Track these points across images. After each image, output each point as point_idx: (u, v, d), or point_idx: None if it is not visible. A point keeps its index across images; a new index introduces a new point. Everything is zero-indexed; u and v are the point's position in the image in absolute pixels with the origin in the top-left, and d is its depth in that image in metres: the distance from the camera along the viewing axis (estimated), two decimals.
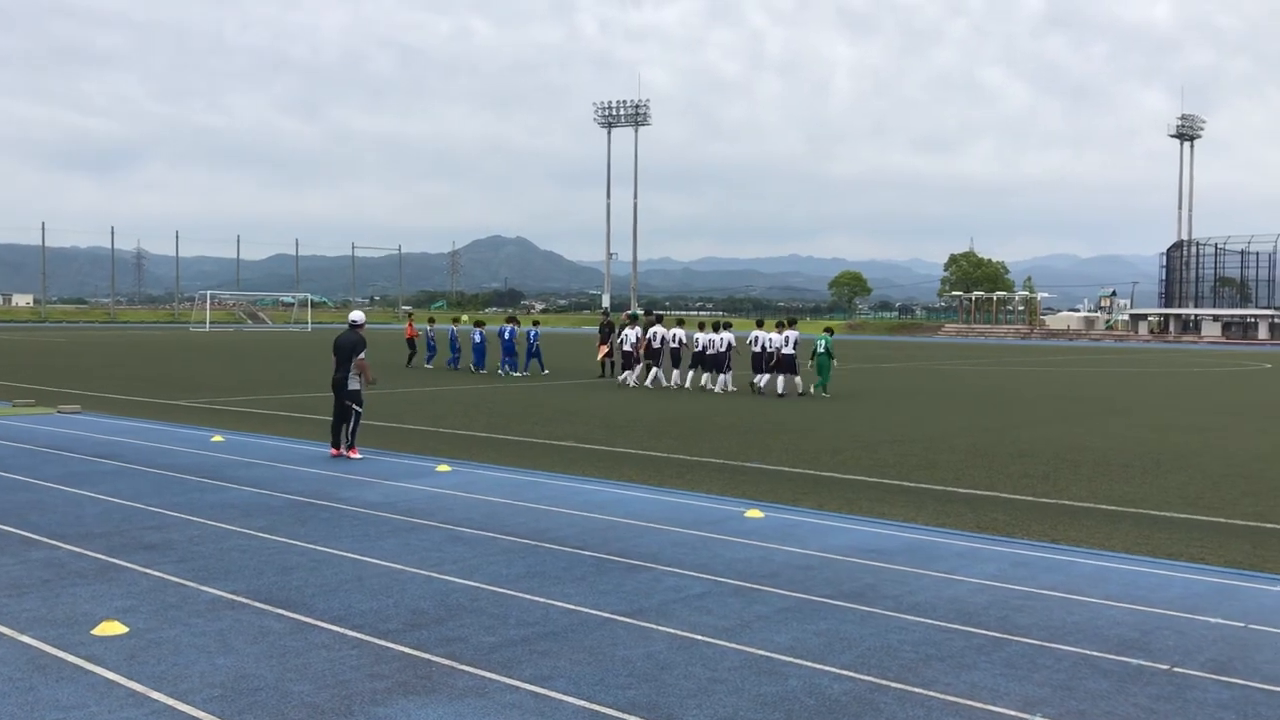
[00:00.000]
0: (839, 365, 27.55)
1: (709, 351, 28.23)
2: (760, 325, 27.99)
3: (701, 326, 29.49)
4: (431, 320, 38.66)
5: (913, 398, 26.52)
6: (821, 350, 26.81)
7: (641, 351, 30.10)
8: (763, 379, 26.89)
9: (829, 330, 28.91)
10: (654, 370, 29.57)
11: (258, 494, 11.63)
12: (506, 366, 33.03)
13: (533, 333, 34.37)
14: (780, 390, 26.16)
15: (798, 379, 26.97)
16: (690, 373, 29.17)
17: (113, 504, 10.95)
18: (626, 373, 29.84)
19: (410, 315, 43.05)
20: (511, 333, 33.08)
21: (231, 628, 6.79)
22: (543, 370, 33.74)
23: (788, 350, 26.24)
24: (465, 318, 39.04)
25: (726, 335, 27.82)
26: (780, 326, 26.97)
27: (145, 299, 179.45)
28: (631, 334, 29.90)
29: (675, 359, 30.05)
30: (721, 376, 27.80)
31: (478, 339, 34.32)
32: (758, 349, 26.97)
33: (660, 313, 38.84)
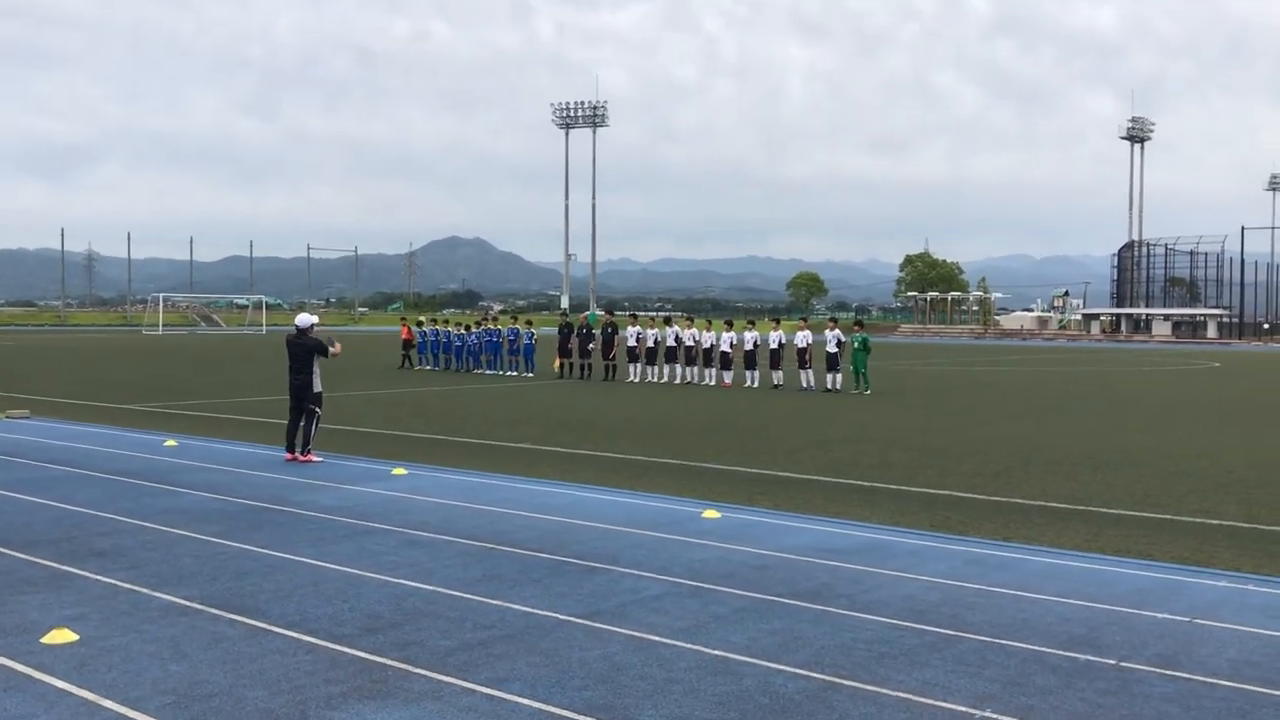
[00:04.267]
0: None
1: (745, 349, 30.34)
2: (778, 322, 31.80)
3: (729, 325, 31.22)
4: (422, 322, 39.15)
5: (867, 397, 26.74)
6: (858, 346, 28.44)
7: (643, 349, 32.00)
8: (805, 375, 29.18)
9: (859, 324, 31.48)
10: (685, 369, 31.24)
11: (211, 499, 11.53)
12: (513, 370, 34.23)
13: (528, 334, 35.27)
14: (808, 385, 28.63)
15: (839, 376, 28.52)
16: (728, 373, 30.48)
17: (63, 510, 10.81)
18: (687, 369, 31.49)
19: (404, 318, 43.10)
20: (529, 335, 34.43)
21: (185, 634, 6.74)
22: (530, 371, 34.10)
23: (831, 348, 28.37)
24: (419, 319, 39.11)
25: (753, 334, 30.28)
26: (834, 324, 29.80)
27: (96, 301, 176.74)
28: (673, 332, 31.92)
29: (694, 358, 31.26)
30: (749, 372, 29.88)
31: (473, 340, 35.43)
32: (802, 345, 29.38)
33: (670, 314, 42.20)
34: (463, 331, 36.22)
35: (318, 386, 14.54)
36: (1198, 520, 11.02)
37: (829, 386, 28.23)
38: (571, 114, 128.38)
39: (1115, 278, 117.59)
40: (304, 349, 14.57)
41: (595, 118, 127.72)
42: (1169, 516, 11.21)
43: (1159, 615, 7.47)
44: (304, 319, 14.96)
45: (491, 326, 36.13)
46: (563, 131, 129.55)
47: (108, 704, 5.55)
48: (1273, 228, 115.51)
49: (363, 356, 44.16)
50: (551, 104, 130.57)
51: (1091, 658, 6.53)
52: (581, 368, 32.98)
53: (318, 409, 14.53)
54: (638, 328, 32.95)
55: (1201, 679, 6.18)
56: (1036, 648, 6.71)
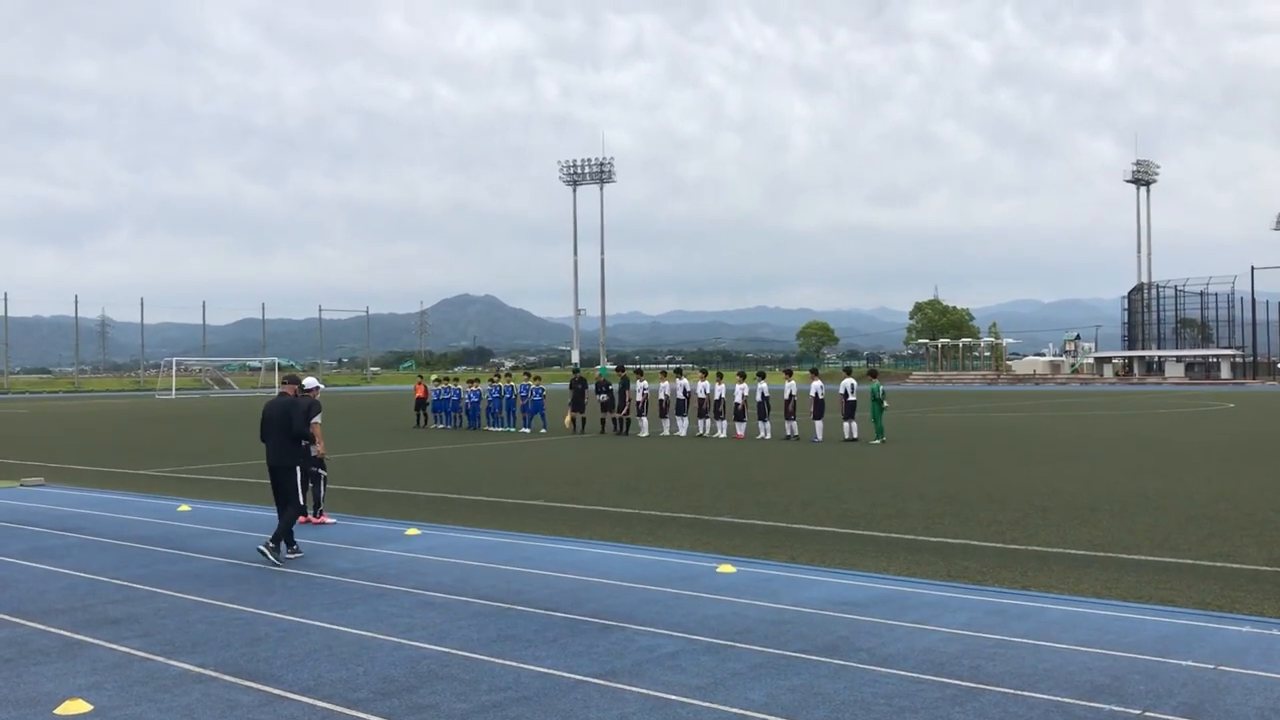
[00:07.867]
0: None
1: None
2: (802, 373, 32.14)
3: (742, 376, 31.68)
4: (446, 380, 39.39)
5: (880, 446, 26.62)
6: (877, 397, 28.60)
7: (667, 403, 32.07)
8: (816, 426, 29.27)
9: (873, 374, 31.37)
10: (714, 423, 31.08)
11: (225, 564, 11.50)
12: (525, 426, 34.13)
13: (538, 390, 35.12)
14: (816, 435, 28.63)
15: (854, 425, 28.59)
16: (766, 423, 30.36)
17: (77, 578, 10.79)
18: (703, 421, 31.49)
19: (420, 376, 43.18)
20: (539, 392, 34.37)
21: (199, 702, 6.69)
22: (543, 428, 33.87)
23: (851, 397, 28.58)
24: (434, 377, 39.28)
25: (804, 383, 30.58)
26: (847, 373, 30.09)
27: (110, 367, 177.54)
28: (682, 385, 31.97)
29: (738, 414, 31.09)
30: (762, 423, 29.89)
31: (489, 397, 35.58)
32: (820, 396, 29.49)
33: (680, 365, 42.53)
34: (476, 388, 36.36)
35: (314, 450, 14.36)
36: (1219, 564, 10.90)
37: (846, 436, 28.18)
38: (578, 171, 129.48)
39: (1126, 320, 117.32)
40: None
41: (602, 174, 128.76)
42: (1190, 561, 11.09)
43: (1183, 663, 7.36)
44: (308, 380, 15.09)
45: (503, 383, 36.19)
46: (570, 189, 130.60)
47: None
48: None
49: (376, 416, 44.21)
50: (559, 161, 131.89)
51: (1115, 708, 6.43)
52: (600, 422, 33.01)
53: (321, 470, 14.48)
54: (644, 382, 33.12)
55: None
56: (1059, 698, 6.61)
